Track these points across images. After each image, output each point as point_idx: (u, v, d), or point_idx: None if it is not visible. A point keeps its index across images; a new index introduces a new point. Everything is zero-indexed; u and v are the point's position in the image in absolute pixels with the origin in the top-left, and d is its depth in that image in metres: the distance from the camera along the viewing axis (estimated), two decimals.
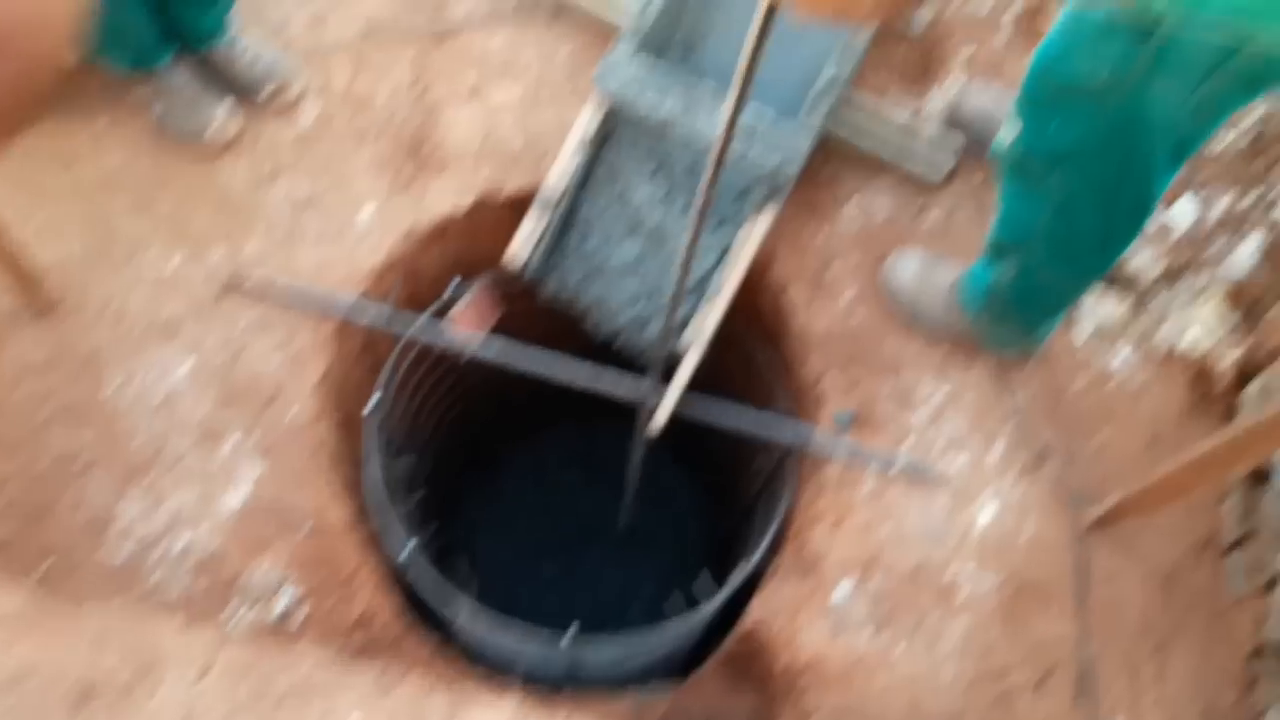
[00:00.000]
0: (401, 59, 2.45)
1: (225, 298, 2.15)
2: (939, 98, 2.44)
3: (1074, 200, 1.70)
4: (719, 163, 1.33)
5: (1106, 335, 2.23)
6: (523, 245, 2.15)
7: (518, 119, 2.39)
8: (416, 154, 2.37)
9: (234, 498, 1.94)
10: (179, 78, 2.28)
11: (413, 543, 1.91)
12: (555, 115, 2.37)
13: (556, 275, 2.25)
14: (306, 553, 1.89)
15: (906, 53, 2.49)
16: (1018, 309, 2.03)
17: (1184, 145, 1.59)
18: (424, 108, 2.41)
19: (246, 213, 2.28)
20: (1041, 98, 1.62)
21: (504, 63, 2.45)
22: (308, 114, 2.39)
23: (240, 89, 2.35)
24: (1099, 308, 2.26)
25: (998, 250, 1.99)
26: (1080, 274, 1.91)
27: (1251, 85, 1.44)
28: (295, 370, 2.08)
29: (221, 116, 2.29)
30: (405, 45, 2.47)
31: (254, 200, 2.30)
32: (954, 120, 2.36)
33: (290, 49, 2.42)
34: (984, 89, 2.37)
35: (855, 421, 2.10)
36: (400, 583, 2.00)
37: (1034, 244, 1.86)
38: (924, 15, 2.44)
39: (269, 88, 2.34)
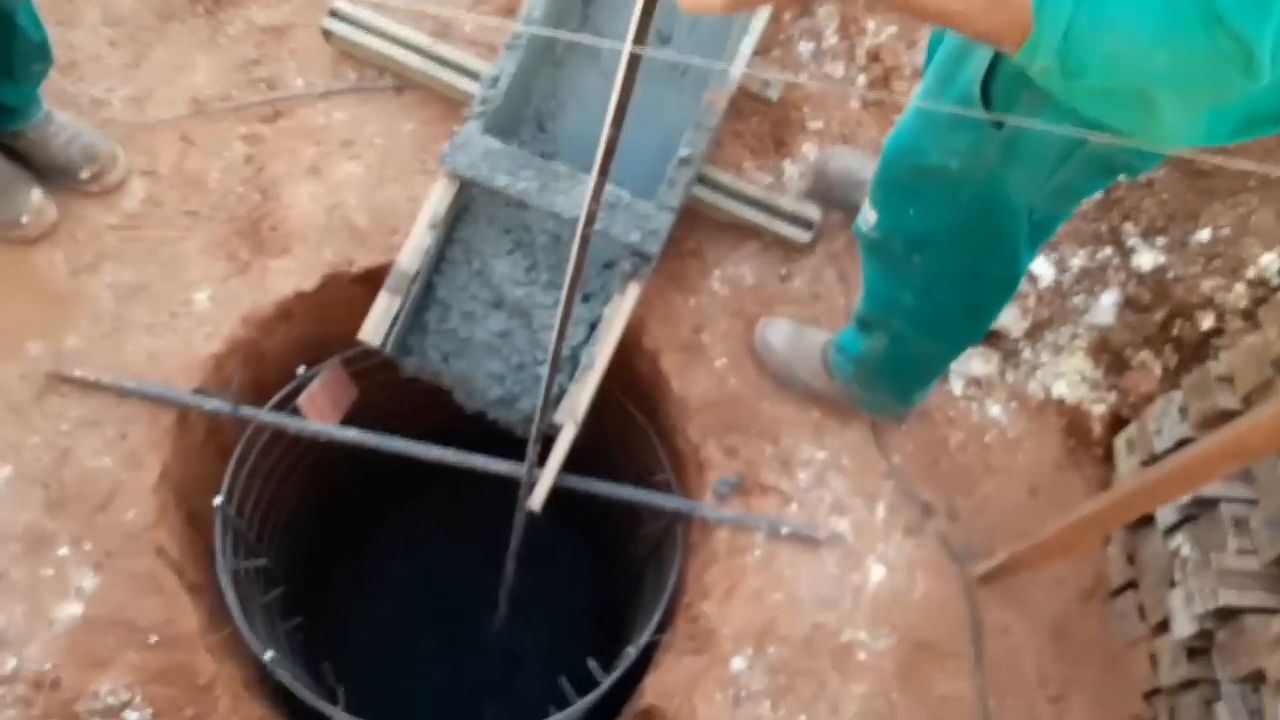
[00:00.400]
0: (234, 136, 2.57)
1: (45, 396, 2.18)
2: (795, 167, 2.72)
3: (937, 279, 1.94)
4: (585, 239, 1.48)
5: (980, 390, 2.50)
6: (376, 326, 2.26)
7: (363, 196, 2.54)
8: (255, 235, 2.48)
9: (68, 611, 1.95)
10: None
11: (269, 654, 1.96)
12: (402, 190, 2.53)
13: (417, 353, 2.37)
14: (155, 665, 1.91)
15: (759, 125, 2.77)
16: (888, 378, 2.28)
17: (1044, 225, 1.81)
18: (260, 186, 2.53)
19: (66, 304, 2.33)
20: (896, 185, 1.86)
21: (345, 139, 2.60)
22: (133, 197, 2.47)
23: (55, 172, 2.42)
24: (970, 364, 2.53)
25: (864, 324, 2.22)
26: (949, 345, 2.16)
27: (1103, 171, 1.64)
28: (131, 469, 2.12)
29: (34, 204, 2.34)
30: (237, 122, 2.59)
31: (74, 290, 2.35)
32: (818, 182, 2.64)
33: (109, 128, 2.51)
34: (847, 151, 2.67)
35: (739, 488, 2.28)
36: (267, 688, 2.03)
37: (900, 319, 2.09)
38: (776, 85, 2.73)
39: (88, 169, 2.42)
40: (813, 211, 2.61)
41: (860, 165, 2.59)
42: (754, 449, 2.34)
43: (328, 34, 2.64)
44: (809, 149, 2.74)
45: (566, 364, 2.31)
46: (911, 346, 2.13)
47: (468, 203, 2.39)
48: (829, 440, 2.38)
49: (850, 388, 2.34)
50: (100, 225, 2.43)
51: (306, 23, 2.71)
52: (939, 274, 1.92)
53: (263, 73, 2.66)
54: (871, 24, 2.87)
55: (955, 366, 2.51)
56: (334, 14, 2.64)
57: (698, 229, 2.60)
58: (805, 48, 2.85)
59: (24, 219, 2.33)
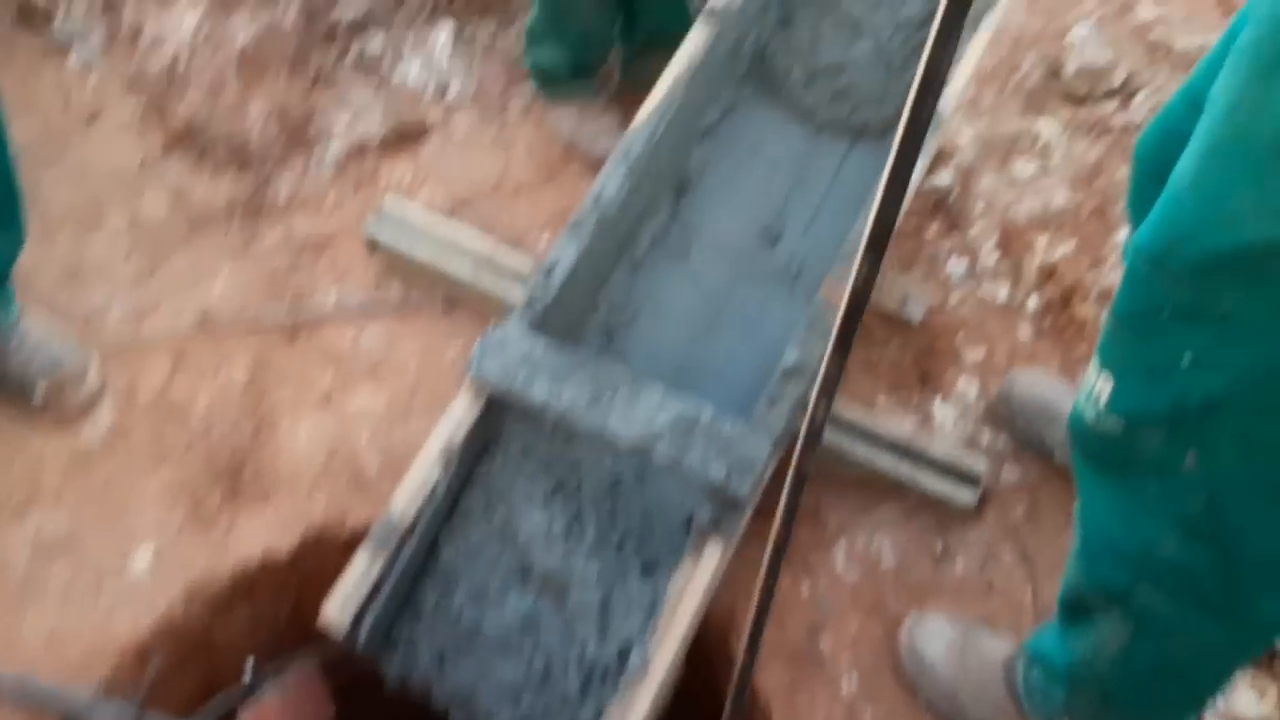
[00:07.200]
0: (238, 357, 1.84)
1: None
2: (949, 408, 1.81)
3: (1232, 493, 0.97)
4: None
5: None
6: (346, 601, 1.39)
7: (378, 432, 1.74)
8: (233, 478, 1.69)
9: None
10: None
11: None
12: (428, 428, 1.70)
13: (404, 649, 1.46)
14: None
15: (898, 354, 1.88)
16: (1125, 703, 1.23)
17: None
18: (255, 418, 1.77)
19: None
20: (1156, 309, 0.94)
21: (372, 363, 1.84)
22: (97, 426, 1.74)
23: (9, 388, 1.72)
24: (1235, 698, 1.46)
25: (1079, 608, 1.23)
26: (1241, 631, 1.10)
27: None
28: None
29: None
30: (247, 340, 1.87)
31: None
32: (1003, 409, 1.73)
33: (95, 342, 1.83)
34: (1039, 373, 1.75)
35: None
36: None
37: (1152, 584, 1.10)
38: (919, 303, 1.86)
39: (44, 390, 1.71)
40: (978, 463, 1.67)
41: (1057, 395, 1.66)
42: None
43: (372, 244, 1.95)
44: (966, 385, 1.83)
45: (609, 670, 1.37)
46: (1172, 637, 1.11)
47: (498, 431, 1.55)
48: None
49: None
50: (43, 459, 1.69)
51: (354, 234, 2.02)
52: (1236, 482, 0.96)
53: (291, 286, 1.95)
54: (1042, 239, 2.00)
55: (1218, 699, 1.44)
56: (380, 216, 1.95)
57: (814, 483, 1.68)
58: (956, 266, 1.98)
59: None
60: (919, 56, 1.99)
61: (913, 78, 0.57)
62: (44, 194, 2.07)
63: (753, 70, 1.92)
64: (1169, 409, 0.96)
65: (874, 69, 1.85)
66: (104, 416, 1.75)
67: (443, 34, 2.36)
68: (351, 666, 1.51)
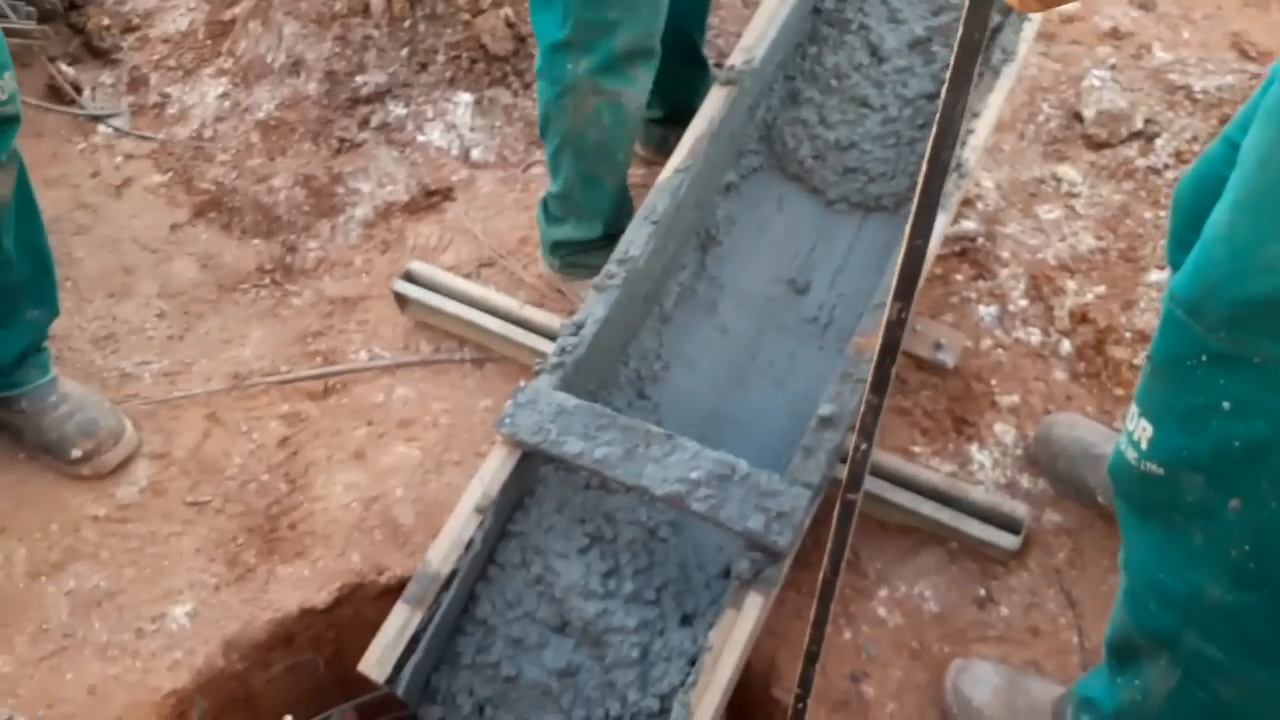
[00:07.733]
0: (271, 416, 1.90)
1: None
2: (987, 453, 1.84)
3: (1277, 536, 0.99)
4: None
5: None
6: (385, 653, 1.42)
7: (413, 485, 1.78)
8: (269, 533, 1.73)
9: None
10: None
11: None
12: (464, 477, 1.75)
13: (443, 700, 1.48)
14: None
15: (932, 401, 1.92)
16: None
17: None
18: (290, 474, 1.81)
19: (10, 614, 1.64)
20: (1194, 356, 0.97)
21: (404, 418, 1.89)
22: (132, 483, 1.80)
23: (45, 450, 1.78)
24: None
25: (1127, 652, 1.24)
26: None
27: None
28: None
29: None
30: (280, 399, 1.92)
31: (25, 596, 1.65)
32: (1041, 453, 1.76)
33: (132, 402, 1.89)
34: (1077, 416, 1.78)
35: None
36: None
37: (1200, 630, 1.10)
38: (952, 348, 1.90)
39: (80, 448, 1.76)
40: (1018, 508, 1.69)
41: (1097, 437, 1.69)
42: None
43: (401, 300, 2.01)
44: (1002, 430, 1.86)
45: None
46: (1223, 682, 1.11)
47: (532, 485, 1.59)
48: None
49: None
50: (81, 516, 1.74)
51: (383, 294, 2.09)
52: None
53: (322, 345, 2.02)
54: (1072, 282, 2.05)
55: None
56: (408, 277, 2.02)
57: (854, 531, 1.70)
58: (987, 310, 2.03)
59: None
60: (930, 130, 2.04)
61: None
62: (76, 262, 2.16)
63: (763, 142, 1.98)
64: (1210, 455, 0.98)
65: (884, 145, 1.90)
66: (139, 475, 1.80)
67: (463, 101, 2.45)
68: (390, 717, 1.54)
